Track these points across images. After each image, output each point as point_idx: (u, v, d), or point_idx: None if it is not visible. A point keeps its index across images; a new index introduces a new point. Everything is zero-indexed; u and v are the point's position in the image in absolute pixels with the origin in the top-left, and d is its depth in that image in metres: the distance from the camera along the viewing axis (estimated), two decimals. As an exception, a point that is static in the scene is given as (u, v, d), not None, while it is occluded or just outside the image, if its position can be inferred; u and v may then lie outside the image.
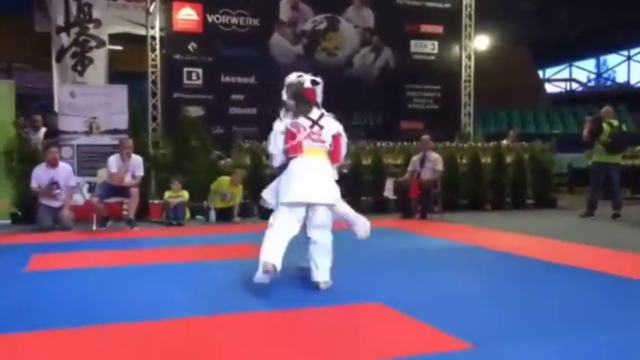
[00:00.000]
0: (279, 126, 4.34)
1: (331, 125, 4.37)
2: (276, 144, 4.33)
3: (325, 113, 4.41)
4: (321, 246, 4.21)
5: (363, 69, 13.07)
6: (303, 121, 4.30)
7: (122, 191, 8.18)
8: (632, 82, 29.36)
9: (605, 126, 8.62)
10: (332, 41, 12.98)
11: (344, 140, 4.41)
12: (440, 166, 9.35)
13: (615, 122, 8.80)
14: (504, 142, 11.97)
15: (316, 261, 4.18)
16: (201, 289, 4.30)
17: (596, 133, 8.71)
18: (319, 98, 4.42)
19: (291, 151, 4.24)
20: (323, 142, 4.31)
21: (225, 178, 9.20)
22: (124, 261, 5.57)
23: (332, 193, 4.28)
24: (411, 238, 6.95)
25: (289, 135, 4.25)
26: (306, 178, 4.17)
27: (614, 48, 28.96)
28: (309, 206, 4.20)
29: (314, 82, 4.38)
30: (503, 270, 5.14)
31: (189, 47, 11.84)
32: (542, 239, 6.81)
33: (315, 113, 4.36)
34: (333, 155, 4.37)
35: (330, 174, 4.33)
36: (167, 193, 8.90)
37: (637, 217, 8.22)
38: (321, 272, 4.17)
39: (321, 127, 4.31)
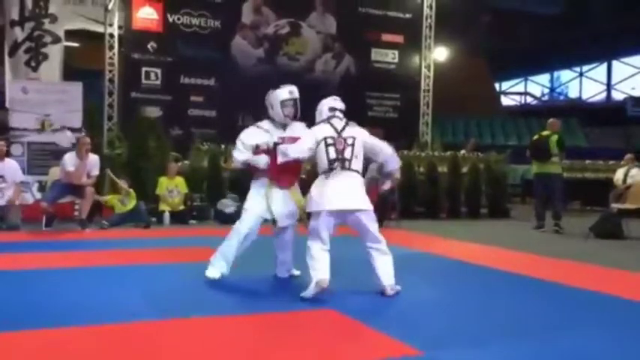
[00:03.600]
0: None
1: None
2: None
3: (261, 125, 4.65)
4: None
5: (324, 75, 13.13)
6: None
7: (76, 191, 7.96)
8: (584, 97, 30.36)
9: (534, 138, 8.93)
10: (294, 46, 13.01)
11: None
12: (397, 174, 9.43)
13: (545, 132, 9.01)
14: (462, 152, 12.18)
15: None
16: (151, 293, 4.21)
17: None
18: (268, 111, 4.60)
19: None
20: None
21: (163, 178, 9.10)
22: (74, 263, 5.41)
23: None
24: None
25: None
26: None
27: (567, 64, 29.92)
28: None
29: None
30: (456, 278, 5.21)
31: (149, 47, 11.68)
32: (495, 248, 6.95)
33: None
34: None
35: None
36: (111, 196, 8.66)
37: (584, 229, 8.44)
38: None
39: None
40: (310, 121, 4.55)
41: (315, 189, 4.14)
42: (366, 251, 4.17)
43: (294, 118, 4.55)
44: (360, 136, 4.27)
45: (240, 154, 4.51)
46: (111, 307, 3.76)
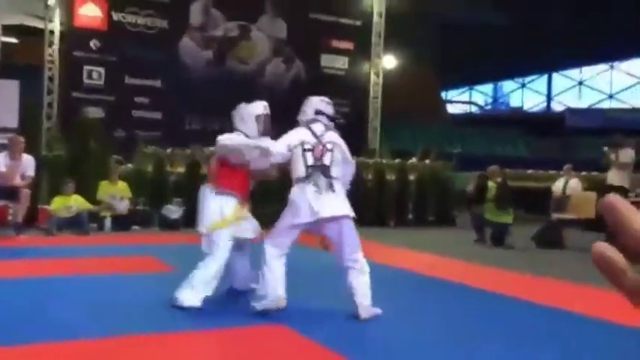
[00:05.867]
0: None
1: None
2: None
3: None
4: None
5: (274, 79, 13.01)
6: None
7: (10, 194, 7.54)
8: (525, 107, 31.39)
9: (490, 183, 8.87)
10: (243, 50, 12.84)
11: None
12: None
13: (499, 179, 9.01)
14: (413, 159, 12.24)
15: None
16: (89, 308, 3.98)
17: (482, 190, 8.93)
18: (235, 123, 4.30)
19: None
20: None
21: (104, 182, 8.79)
22: (5, 273, 5.10)
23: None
24: (316, 254, 6.91)
25: None
26: None
27: (510, 75, 30.87)
28: None
29: None
30: (404, 289, 5.21)
31: (92, 44, 11.27)
32: (441, 258, 7.01)
33: None
34: (216, 182, 4.25)
35: (202, 201, 4.20)
36: (56, 199, 8.28)
37: (526, 238, 8.60)
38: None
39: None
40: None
41: (295, 197, 3.86)
42: (343, 266, 3.89)
43: (265, 134, 4.27)
44: (338, 142, 4.09)
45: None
46: (48, 324, 3.54)
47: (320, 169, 3.87)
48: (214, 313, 3.91)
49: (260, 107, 4.24)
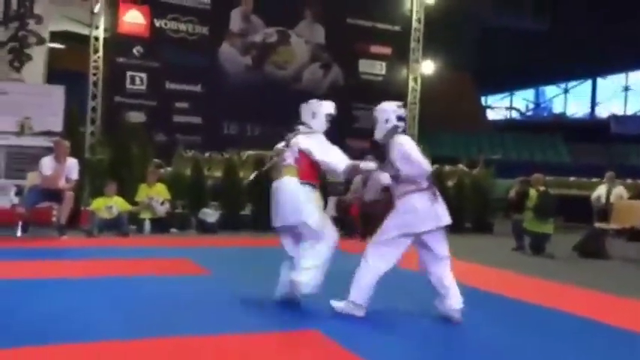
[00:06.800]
0: None
1: (297, 142, 4.25)
2: None
3: (302, 130, 4.32)
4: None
5: (311, 84, 13.06)
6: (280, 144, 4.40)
7: (54, 196, 7.75)
8: (568, 113, 30.66)
9: (532, 191, 8.65)
10: (282, 55, 12.93)
11: (318, 154, 4.15)
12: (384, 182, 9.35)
13: (542, 188, 8.78)
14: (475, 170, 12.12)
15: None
16: (130, 309, 4.06)
17: (523, 197, 8.71)
18: (304, 117, 4.39)
19: None
20: (285, 160, 4.25)
21: (143, 185, 8.93)
22: (49, 273, 5.24)
23: (288, 213, 4.13)
24: (350, 259, 6.87)
25: None
26: (274, 202, 4.23)
27: (552, 80, 30.22)
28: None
29: None
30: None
31: (135, 51, 11.54)
32: (478, 266, 6.89)
33: (292, 134, 4.34)
34: (299, 172, 4.21)
35: (292, 193, 4.15)
36: (98, 200, 8.46)
37: (567, 247, 8.41)
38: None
39: (288, 147, 4.28)
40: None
41: (416, 205, 3.98)
42: (433, 264, 4.14)
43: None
44: None
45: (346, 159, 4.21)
46: (83, 325, 3.60)
47: (432, 177, 4.09)
48: (247, 317, 3.93)
49: (331, 107, 4.42)
